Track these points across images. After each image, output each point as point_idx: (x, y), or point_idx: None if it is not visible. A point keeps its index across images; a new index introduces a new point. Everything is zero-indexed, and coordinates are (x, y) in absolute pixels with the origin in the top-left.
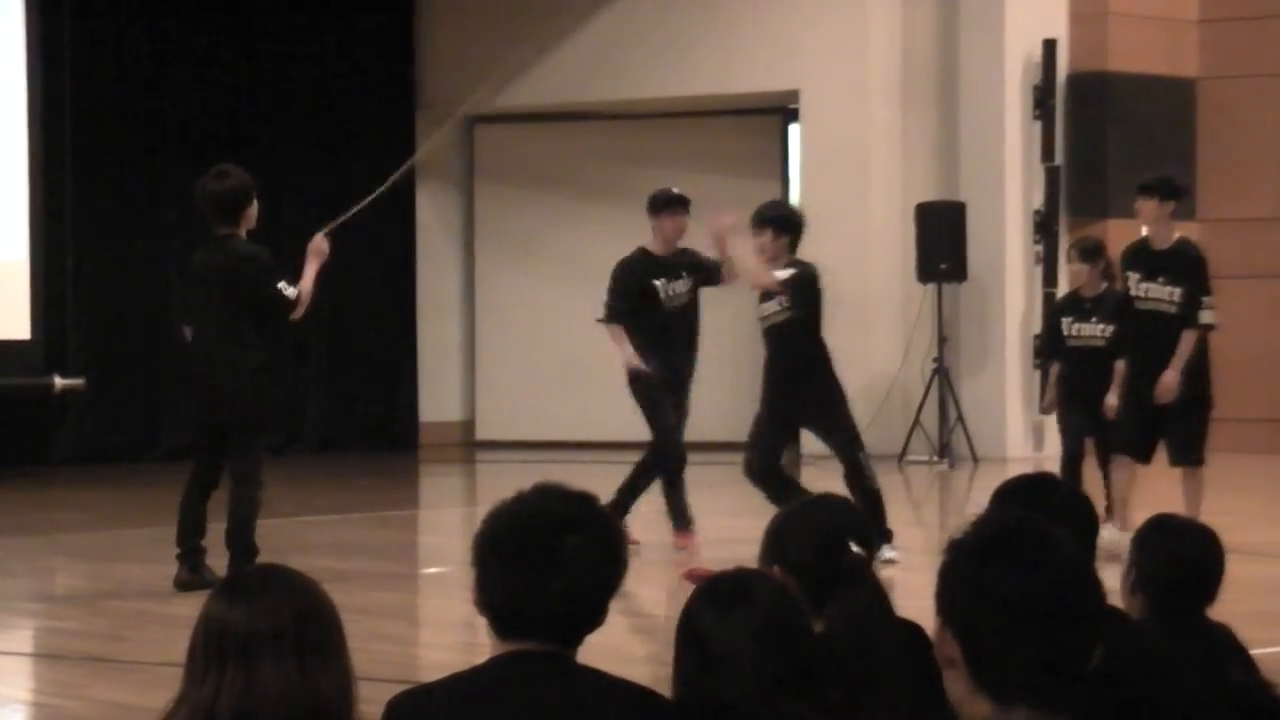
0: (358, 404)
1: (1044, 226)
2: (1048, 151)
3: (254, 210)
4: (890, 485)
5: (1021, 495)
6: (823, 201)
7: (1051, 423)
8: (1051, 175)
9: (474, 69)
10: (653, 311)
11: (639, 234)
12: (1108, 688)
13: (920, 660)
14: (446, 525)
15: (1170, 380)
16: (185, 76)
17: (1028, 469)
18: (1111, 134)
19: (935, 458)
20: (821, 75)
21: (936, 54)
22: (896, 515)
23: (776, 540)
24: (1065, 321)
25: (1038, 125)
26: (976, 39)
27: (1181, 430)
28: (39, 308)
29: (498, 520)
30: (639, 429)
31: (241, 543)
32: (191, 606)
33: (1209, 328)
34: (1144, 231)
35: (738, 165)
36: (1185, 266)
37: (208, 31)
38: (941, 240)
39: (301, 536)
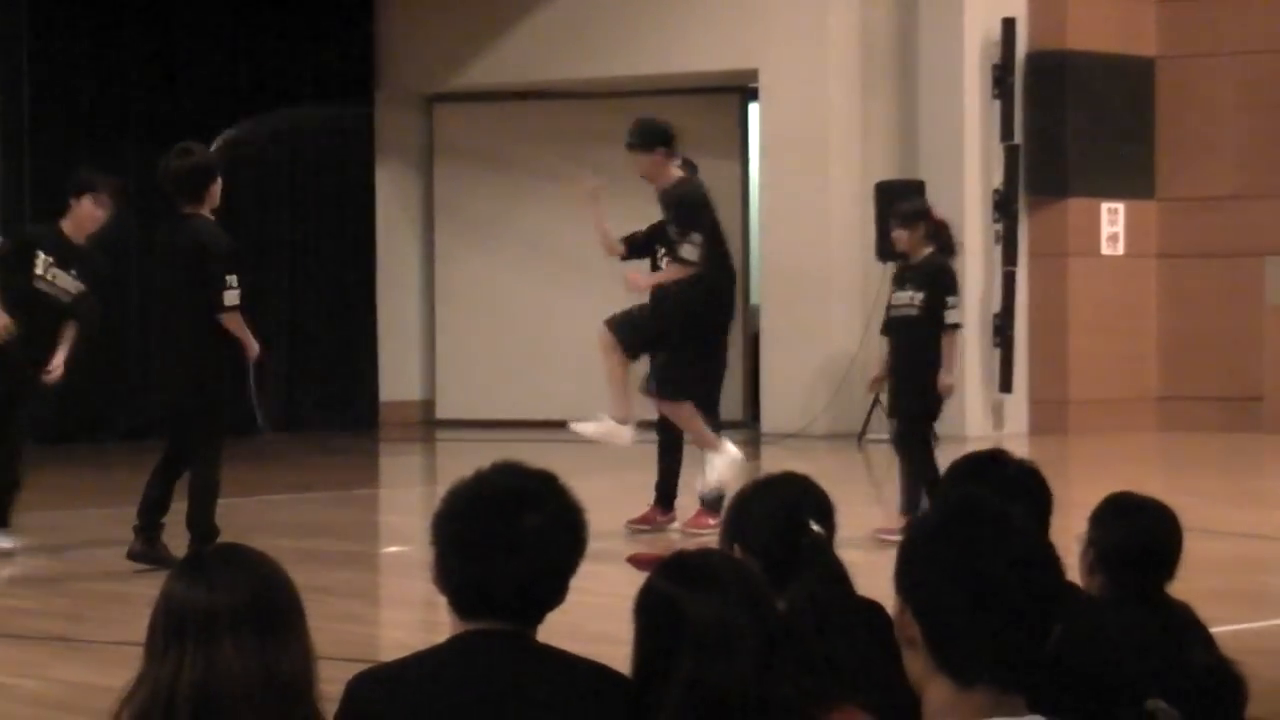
0: (318, 383)
1: (1003, 205)
2: (1007, 130)
3: (217, 189)
4: (850, 463)
5: (974, 472)
6: (782, 180)
7: (1011, 401)
8: (1011, 154)
9: (432, 49)
10: None
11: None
12: (1067, 667)
13: (881, 640)
14: (407, 504)
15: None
16: (144, 58)
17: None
18: (1071, 113)
19: None
20: (781, 54)
21: (896, 32)
22: (857, 494)
23: (737, 519)
24: (891, 291)
25: (997, 104)
26: (936, 17)
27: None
28: None
29: (457, 499)
30: (600, 408)
31: (202, 524)
32: (151, 587)
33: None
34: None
35: (697, 144)
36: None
37: (166, 12)
38: None
39: (263, 516)
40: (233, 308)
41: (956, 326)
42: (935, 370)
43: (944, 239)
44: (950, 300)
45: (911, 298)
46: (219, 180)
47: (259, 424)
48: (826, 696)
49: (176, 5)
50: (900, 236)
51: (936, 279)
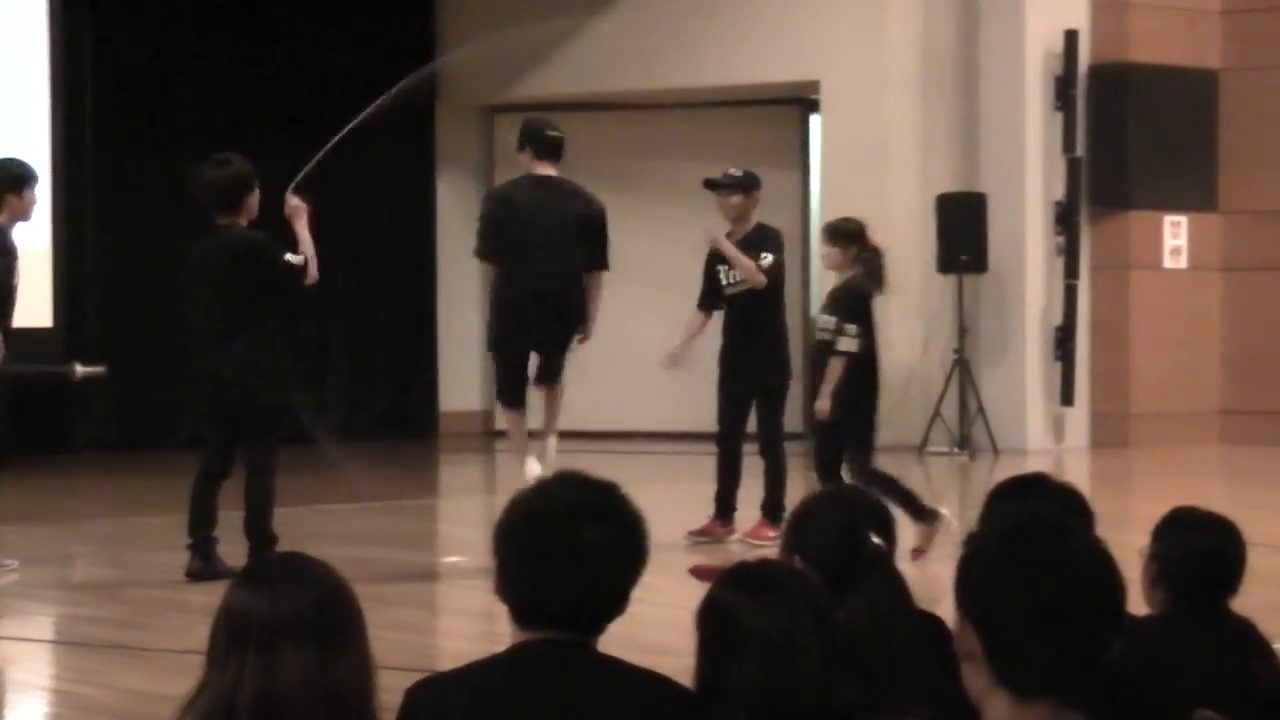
0: (377, 393)
1: (1065, 218)
2: (1069, 143)
3: (255, 200)
4: (910, 476)
5: (1016, 495)
6: (843, 192)
7: (1072, 414)
8: (1072, 166)
9: (494, 60)
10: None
11: (658, 224)
12: (1128, 681)
13: (941, 653)
14: (465, 514)
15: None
16: (206, 68)
17: (1048, 461)
18: (1133, 125)
19: (955, 449)
20: (842, 66)
21: (957, 44)
22: None
23: (798, 531)
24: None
25: (1059, 116)
26: (997, 29)
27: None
28: (60, 296)
29: (519, 510)
30: (656, 418)
31: (260, 531)
32: (210, 594)
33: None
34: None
35: (758, 156)
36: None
37: (229, 23)
38: (962, 231)
39: (321, 525)
40: (303, 265)
41: (845, 354)
42: (862, 394)
43: (874, 267)
44: (849, 328)
45: (827, 322)
46: (256, 191)
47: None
48: (887, 707)
49: (239, 15)
50: (829, 254)
51: (842, 302)
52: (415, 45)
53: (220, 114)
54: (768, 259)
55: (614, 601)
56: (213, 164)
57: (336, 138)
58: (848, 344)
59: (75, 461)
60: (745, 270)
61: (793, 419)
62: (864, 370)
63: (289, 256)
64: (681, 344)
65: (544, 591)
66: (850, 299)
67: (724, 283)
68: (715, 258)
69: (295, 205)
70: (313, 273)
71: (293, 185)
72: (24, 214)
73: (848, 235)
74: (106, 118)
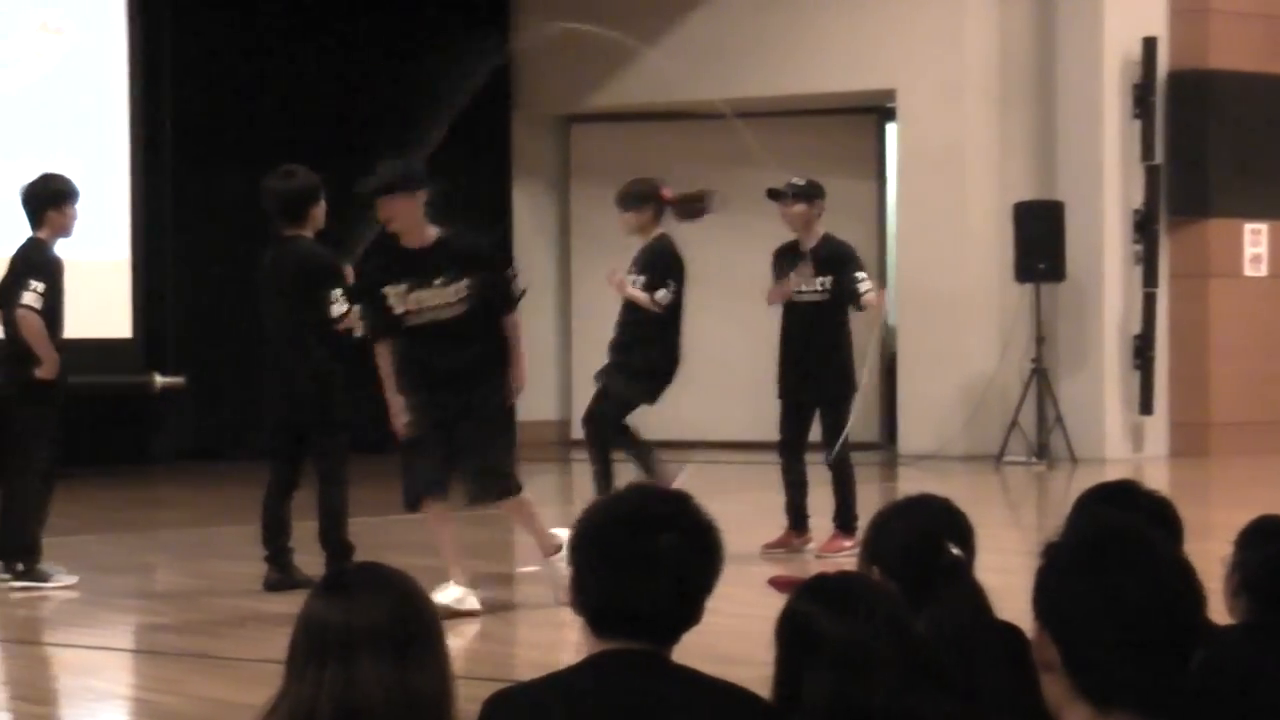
0: None
1: (1143, 226)
2: (1147, 150)
3: (320, 211)
4: (987, 486)
5: (1104, 502)
6: (920, 201)
7: (1152, 423)
8: (1151, 174)
9: (570, 70)
10: None
11: (734, 234)
12: (1209, 692)
13: (1020, 663)
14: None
15: None
16: (284, 80)
17: (1127, 470)
18: (1212, 132)
19: (1033, 458)
20: (918, 74)
21: (1034, 51)
22: (994, 516)
23: (876, 541)
24: None
25: (1137, 123)
26: (1075, 36)
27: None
28: (140, 307)
29: (593, 520)
30: (736, 429)
31: (336, 541)
32: (289, 604)
33: None
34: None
35: (835, 165)
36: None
37: (307, 36)
38: (1040, 240)
39: (397, 535)
40: (338, 318)
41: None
42: (655, 353)
43: (686, 207)
44: (666, 285)
45: (635, 280)
46: (322, 203)
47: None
48: (967, 718)
49: (316, 25)
50: (627, 219)
51: (653, 263)
52: (491, 56)
53: (298, 125)
54: (663, 294)
55: (689, 611)
56: (278, 175)
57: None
58: (664, 296)
59: (154, 471)
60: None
61: (868, 428)
62: (670, 321)
63: (335, 296)
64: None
65: (620, 601)
66: (659, 258)
67: (794, 291)
68: (785, 263)
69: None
70: (344, 325)
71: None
72: (65, 230)
73: (641, 197)
74: (185, 130)
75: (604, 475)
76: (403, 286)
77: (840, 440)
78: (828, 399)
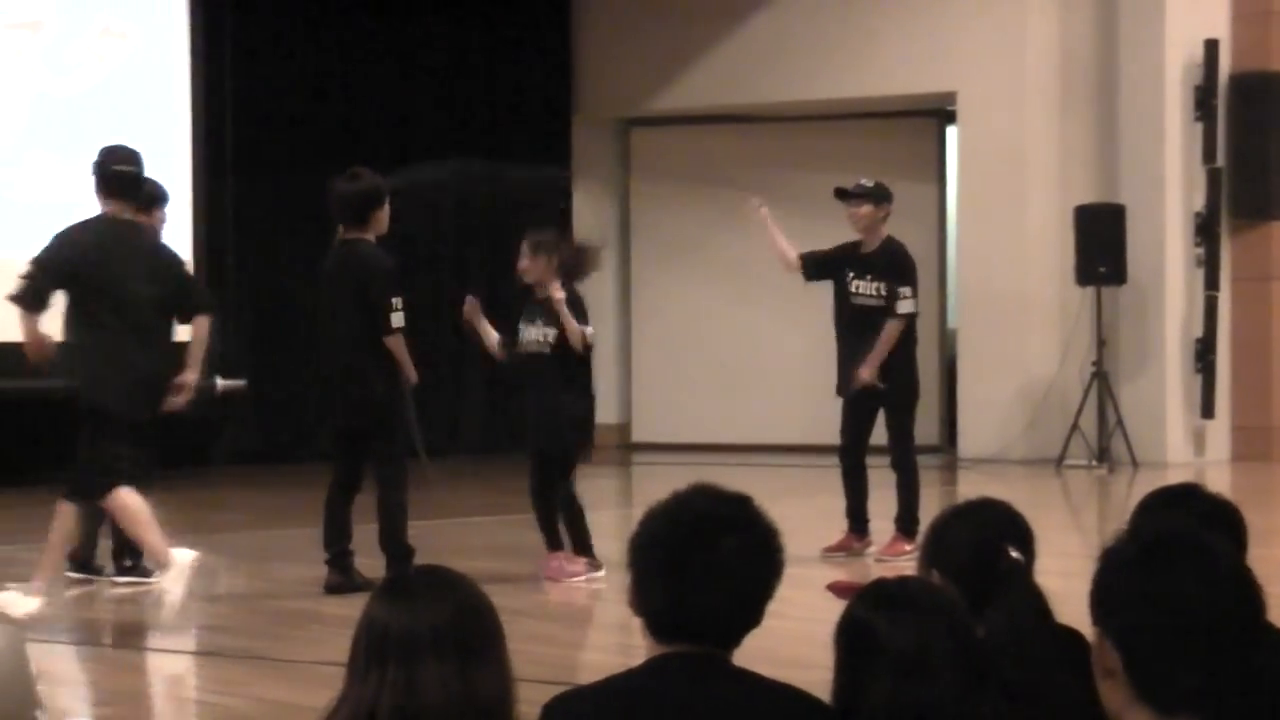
0: (515, 406)
1: (1205, 229)
2: (1209, 153)
3: (384, 215)
4: (1048, 489)
5: (1166, 506)
6: (980, 204)
7: (1213, 427)
8: (1213, 177)
9: (630, 73)
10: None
11: (792, 237)
12: (1270, 697)
13: (1080, 668)
14: (602, 527)
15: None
16: (346, 81)
17: (1188, 474)
18: (1275, 135)
19: (1094, 462)
20: (979, 77)
21: (1095, 54)
22: (1055, 520)
23: (935, 545)
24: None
25: (1199, 126)
26: (1136, 39)
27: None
28: None
29: (654, 522)
30: (796, 431)
31: (396, 544)
32: (350, 606)
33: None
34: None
35: (895, 168)
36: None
37: (368, 37)
38: (1101, 243)
39: (459, 538)
40: (398, 330)
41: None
42: (573, 407)
43: (571, 267)
44: (589, 331)
45: (545, 335)
46: (386, 206)
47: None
48: None
49: (377, 30)
50: (531, 266)
51: (580, 303)
52: (553, 58)
53: (360, 127)
54: (590, 331)
55: (750, 614)
56: (344, 178)
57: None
58: (590, 335)
59: (217, 474)
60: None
61: (928, 431)
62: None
63: (394, 305)
64: (773, 228)
65: (681, 604)
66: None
67: (850, 290)
68: (847, 261)
69: (410, 376)
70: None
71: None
72: (155, 233)
73: (547, 246)
74: (246, 133)
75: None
76: None
77: (903, 441)
78: (889, 402)
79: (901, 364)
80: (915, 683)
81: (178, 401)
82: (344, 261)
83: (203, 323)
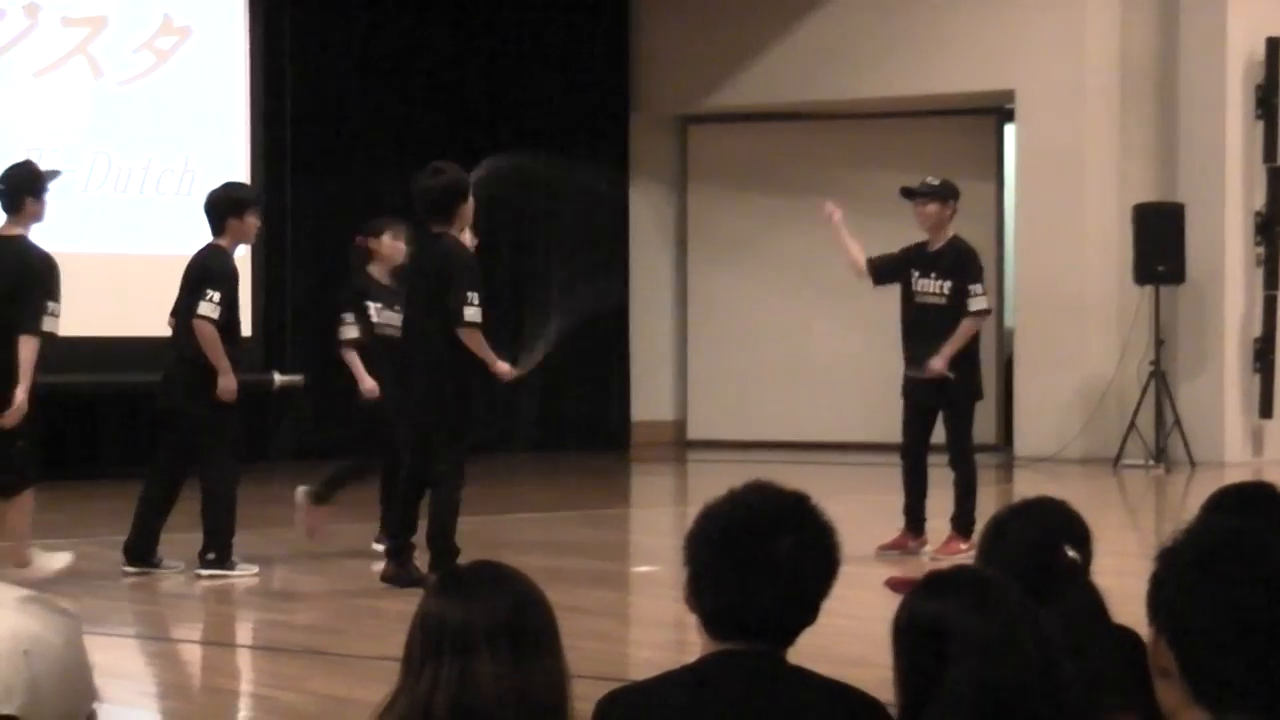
0: (570, 403)
1: (1265, 228)
2: (1269, 152)
3: (469, 209)
4: (1105, 489)
5: (1236, 503)
6: (1039, 202)
7: (1272, 426)
8: (1274, 176)
9: (688, 70)
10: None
11: (855, 234)
12: None
13: (1137, 668)
14: (658, 524)
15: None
16: (403, 76)
17: (1246, 474)
18: None
19: (1151, 462)
20: (1038, 75)
21: (1155, 53)
22: (1112, 520)
23: (992, 543)
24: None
25: (1259, 125)
26: (1197, 37)
27: None
28: (259, 305)
29: (710, 520)
30: (853, 429)
31: (442, 542)
32: (406, 601)
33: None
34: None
35: (953, 166)
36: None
37: (426, 35)
38: (1160, 242)
39: (514, 534)
40: (473, 324)
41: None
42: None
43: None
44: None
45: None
46: (470, 200)
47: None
48: (1105, 709)
49: (436, 25)
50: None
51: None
52: (611, 55)
53: (417, 123)
54: (980, 302)
55: (806, 612)
56: (427, 173)
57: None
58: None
59: (274, 469)
60: (965, 338)
61: (985, 430)
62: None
63: (470, 299)
64: (842, 232)
65: (737, 601)
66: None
67: (915, 289)
68: (911, 259)
69: (506, 373)
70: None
71: (524, 369)
72: (246, 237)
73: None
74: (305, 127)
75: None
76: None
77: (962, 441)
78: (950, 402)
79: (965, 363)
80: (1000, 666)
81: (4, 420)
82: (427, 257)
83: (24, 342)
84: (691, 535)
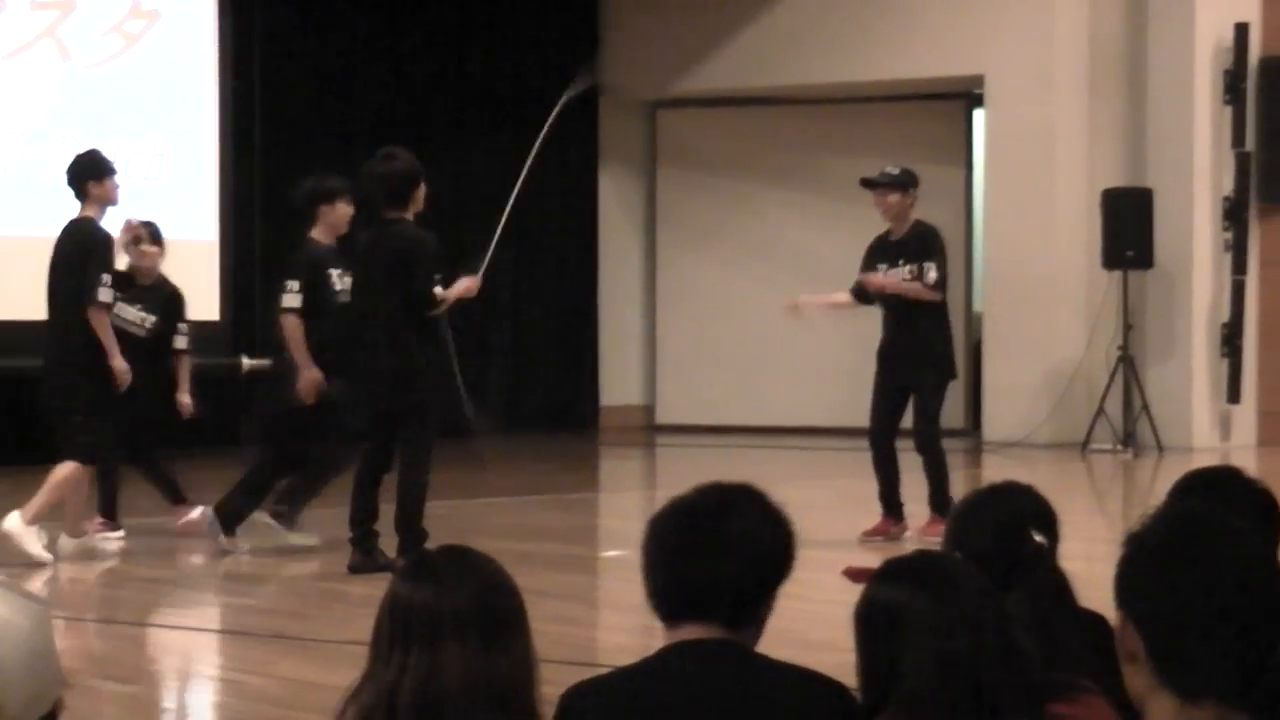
0: (539, 387)
1: (1233, 213)
2: (1238, 137)
3: (421, 194)
4: (1073, 473)
5: (1202, 488)
6: (1008, 187)
7: (1239, 411)
8: (1242, 161)
9: (657, 55)
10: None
11: (820, 219)
12: None
13: (1103, 652)
14: (626, 509)
15: None
16: (372, 63)
17: (1214, 458)
18: None
19: (1119, 446)
20: (1007, 60)
21: (1125, 38)
22: (1079, 504)
23: (959, 527)
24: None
25: (1228, 110)
26: (1166, 23)
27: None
28: (228, 290)
29: (662, 513)
30: (820, 414)
31: (410, 527)
32: (375, 586)
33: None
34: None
35: (922, 151)
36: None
37: (395, 19)
38: (1128, 227)
39: (483, 519)
40: (438, 301)
41: (184, 352)
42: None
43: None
44: (181, 326)
45: (143, 319)
46: (423, 186)
47: (469, 421)
48: (1068, 688)
49: (406, 12)
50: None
51: (170, 304)
52: (580, 40)
53: (386, 108)
54: (931, 274)
55: (757, 592)
56: (380, 159)
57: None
58: (183, 343)
59: (241, 454)
60: (916, 293)
61: (954, 415)
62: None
63: (438, 290)
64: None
65: (684, 582)
66: (175, 302)
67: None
68: (876, 254)
69: (469, 288)
70: (436, 311)
71: (481, 271)
72: (340, 227)
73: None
74: (274, 113)
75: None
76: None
77: (930, 423)
78: (921, 385)
79: (938, 347)
80: (961, 648)
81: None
82: (384, 241)
83: (90, 315)
84: (644, 538)
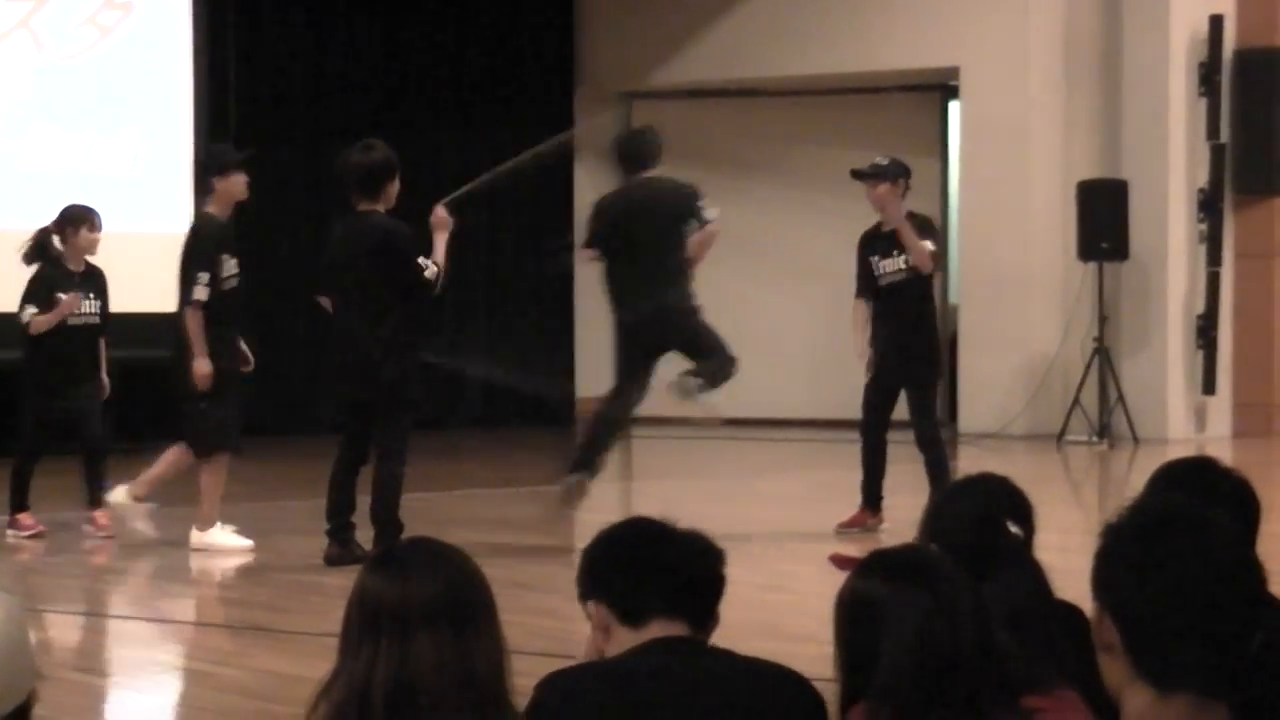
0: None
1: (1208, 205)
2: (1213, 129)
3: (395, 187)
4: (1049, 465)
5: (1180, 479)
6: (983, 179)
7: (1214, 403)
8: (1216, 153)
9: (633, 46)
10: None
11: (798, 211)
12: (1271, 674)
13: (1079, 644)
14: (602, 500)
15: None
16: (347, 55)
17: (1189, 450)
18: (1279, 111)
19: (1095, 438)
20: (982, 51)
21: (1100, 29)
22: (1055, 496)
23: (934, 520)
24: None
25: (1203, 102)
26: (1141, 14)
27: None
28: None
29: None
30: (800, 406)
31: (386, 518)
32: (348, 577)
33: None
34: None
35: (897, 142)
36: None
37: (371, 8)
38: (1103, 218)
39: (458, 510)
40: (434, 279)
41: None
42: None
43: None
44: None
45: (92, 305)
46: (397, 179)
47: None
48: (1041, 679)
49: (379, 2)
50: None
51: (104, 283)
52: (556, 30)
53: (361, 100)
54: (930, 245)
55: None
56: (357, 149)
57: (491, 174)
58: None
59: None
60: (919, 254)
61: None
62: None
63: (422, 262)
64: (860, 338)
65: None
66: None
67: (877, 273)
68: (868, 247)
69: (441, 218)
70: (437, 287)
71: (445, 200)
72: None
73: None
74: (248, 105)
75: None
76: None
77: (932, 421)
78: (912, 380)
79: (926, 341)
80: (939, 640)
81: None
82: (359, 232)
83: (186, 316)
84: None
